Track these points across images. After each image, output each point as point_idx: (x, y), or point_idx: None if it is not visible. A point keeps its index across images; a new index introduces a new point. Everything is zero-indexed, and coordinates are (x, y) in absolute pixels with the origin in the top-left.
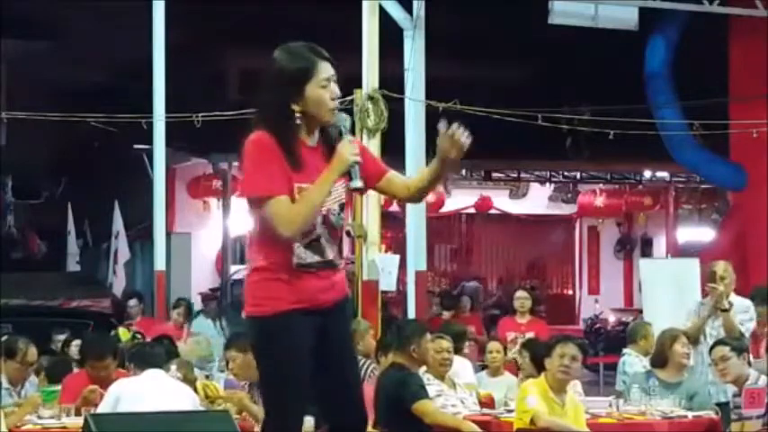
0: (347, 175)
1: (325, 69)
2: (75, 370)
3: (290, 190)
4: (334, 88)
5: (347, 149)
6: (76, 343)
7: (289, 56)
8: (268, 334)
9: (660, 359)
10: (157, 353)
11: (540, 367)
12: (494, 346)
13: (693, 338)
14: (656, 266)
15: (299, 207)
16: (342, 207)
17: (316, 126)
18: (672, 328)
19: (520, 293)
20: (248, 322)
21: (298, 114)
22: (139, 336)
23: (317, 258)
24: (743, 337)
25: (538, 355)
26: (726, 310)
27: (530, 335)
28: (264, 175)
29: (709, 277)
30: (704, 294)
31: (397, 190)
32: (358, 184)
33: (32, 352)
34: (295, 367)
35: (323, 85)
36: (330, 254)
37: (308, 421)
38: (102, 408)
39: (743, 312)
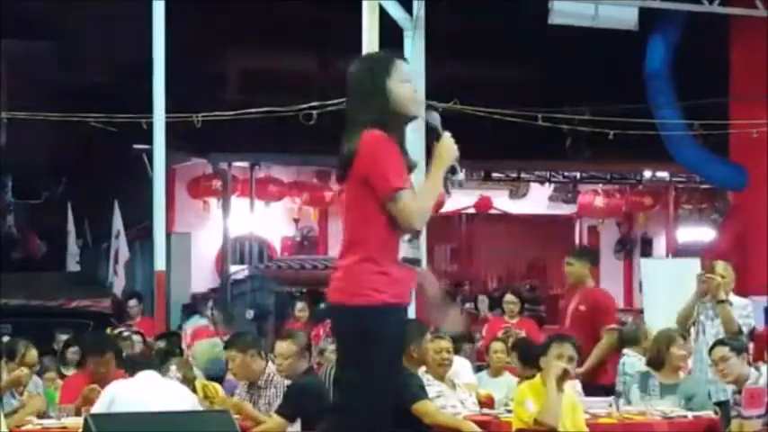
0: (451, 169)
1: (402, 65)
2: (73, 371)
3: (410, 185)
4: (414, 86)
5: (452, 144)
6: (73, 350)
7: (370, 59)
8: (373, 324)
9: (657, 361)
10: (150, 357)
11: (526, 365)
12: (498, 345)
13: (682, 327)
14: (657, 266)
15: (426, 200)
16: None
17: (405, 125)
18: (668, 330)
19: (509, 297)
20: (346, 311)
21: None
22: (127, 334)
23: (417, 255)
24: (741, 333)
25: (526, 353)
26: (723, 301)
27: (521, 333)
28: (398, 169)
29: (707, 270)
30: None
31: None
32: (461, 176)
33: (32, 354)
34: (395, 361)
35: (405, 79)
36: (414, 253)
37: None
38: (97, 409)
39: (741, 309)
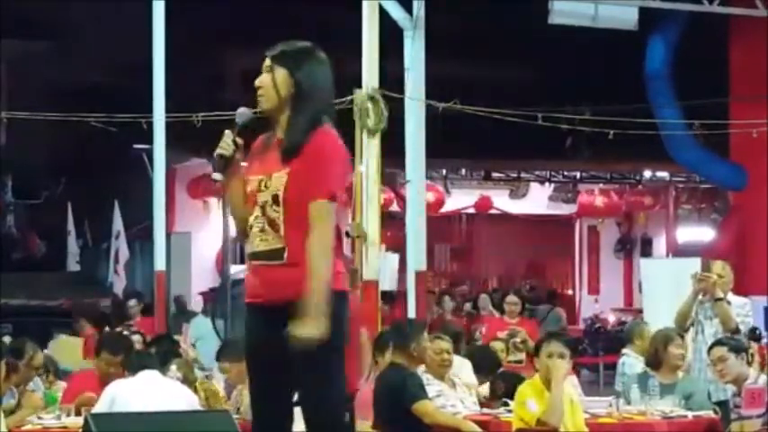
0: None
1: (263, 62)
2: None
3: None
4: (258, 79)
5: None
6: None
7: None
8: None
9: (655, 361)
10: (151, 356)
11: None
12: (497, 345)
13: (681, 326)
14: (657, 266)
15: None
16: (275, 199)
17: (272, 118)
18: (666, 329)
19: (511, 298)
20: None
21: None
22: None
23: (249, 250)
24: (739, 331)
25: None
26: (720, 299)
27: (522, 333)
28: None
29: (703, 269)
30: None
31: None
32: (214, 176)
33: (39, 357)
34: (247, 362)
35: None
36: (260, 245)
37: None
38: (97, 408)
39: (740, 308)
